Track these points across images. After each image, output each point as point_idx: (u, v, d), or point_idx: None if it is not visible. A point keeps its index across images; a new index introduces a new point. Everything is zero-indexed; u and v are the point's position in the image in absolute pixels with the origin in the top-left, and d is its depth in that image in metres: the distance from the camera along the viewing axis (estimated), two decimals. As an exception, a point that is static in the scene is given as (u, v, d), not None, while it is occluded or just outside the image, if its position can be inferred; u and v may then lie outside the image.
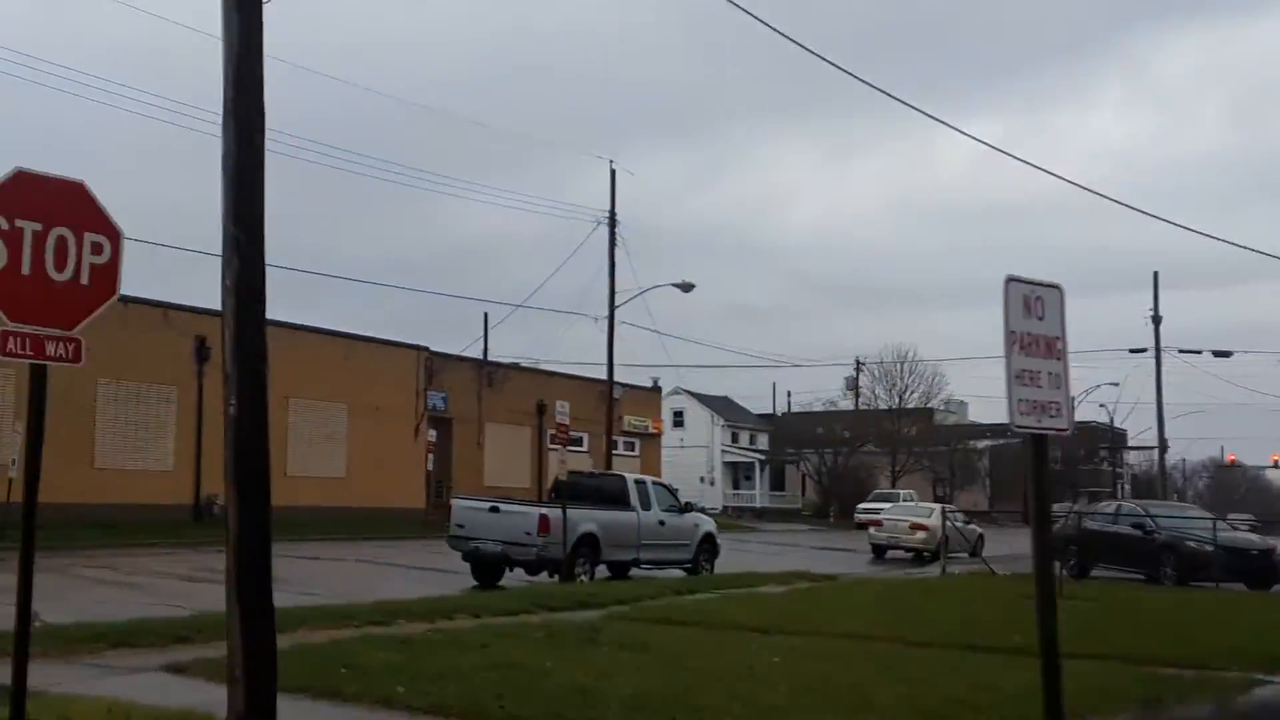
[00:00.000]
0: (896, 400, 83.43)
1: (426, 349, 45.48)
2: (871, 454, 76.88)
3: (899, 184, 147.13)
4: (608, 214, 48.62)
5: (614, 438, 54.26)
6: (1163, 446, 60.77)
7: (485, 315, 61.30)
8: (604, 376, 54.41)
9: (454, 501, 24.19)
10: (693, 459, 63.53)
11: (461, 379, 47.45)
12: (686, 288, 47.52)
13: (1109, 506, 32.09)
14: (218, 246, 6.93)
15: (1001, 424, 76.11)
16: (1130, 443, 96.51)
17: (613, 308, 48.37)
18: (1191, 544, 25.11)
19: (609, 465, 54.28)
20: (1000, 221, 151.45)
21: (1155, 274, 57.70)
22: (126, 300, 35.26)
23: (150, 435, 36.25)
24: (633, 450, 56.12)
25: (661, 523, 25.30)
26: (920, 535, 37.46)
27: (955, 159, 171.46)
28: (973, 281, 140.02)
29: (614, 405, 53.95)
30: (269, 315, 6.95)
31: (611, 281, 48.42)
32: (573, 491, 24.43)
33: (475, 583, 22.65)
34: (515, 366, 49.75)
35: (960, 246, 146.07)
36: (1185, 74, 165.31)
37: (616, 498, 24.62)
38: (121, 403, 35.54)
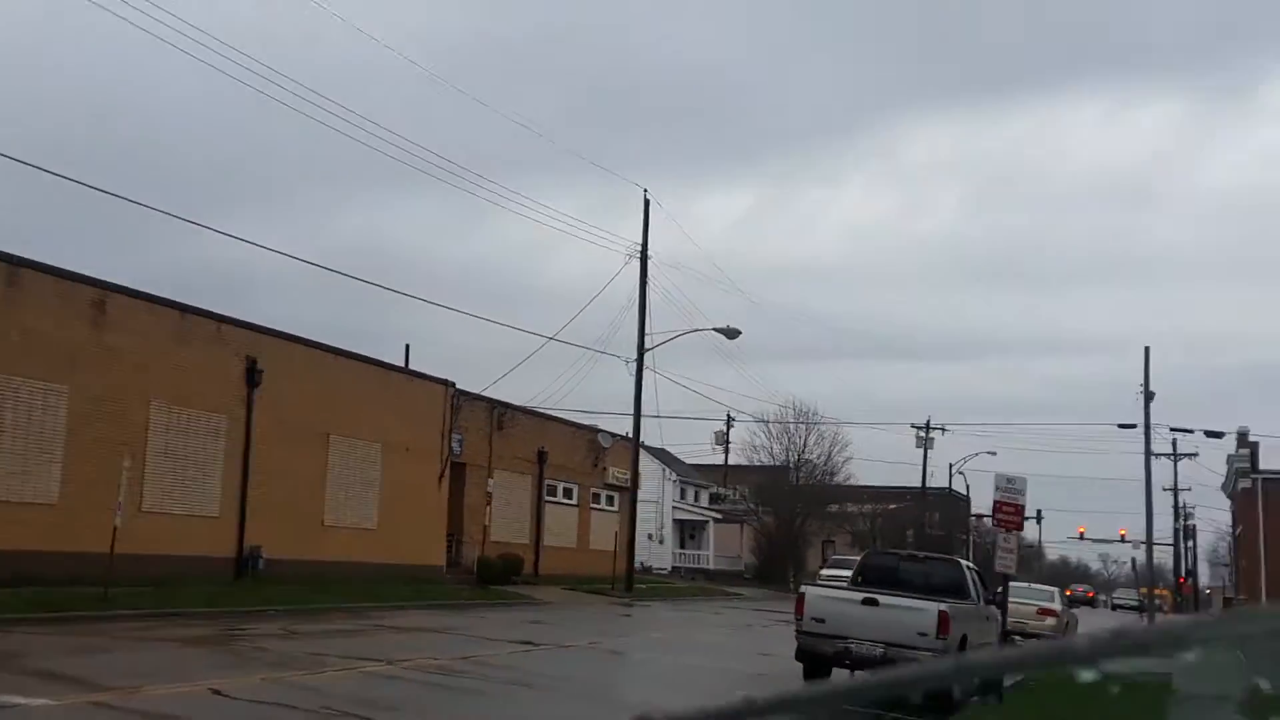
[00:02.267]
0: (796, 458, 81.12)
1: (453, 384, 39.96)
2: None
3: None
4: (639, 248, 44.46)
5: (596, 490, 49.78)
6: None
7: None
8: (586, 423, 49.88)
9: (808, 590, 19.47)
10: (642, 514, 59.08)
11: (475, 420, 42.02)
12: (732, 334, 43.60)
13: None
14: None
15: (892, 487, 74.52)
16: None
17: (641, 350, 44.09)
18: None
19: (588, 519, 49.66)
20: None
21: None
22: (184, 309, 29.15)
23: (199, 473, 29.80)
24: (613, 505, 51.43)
25: (988, 618, 21.28)
26: (1050, 622, 34.48)
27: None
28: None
29: (602, 455, 49.46)
30: None
31: (641, 322, 44.20)
32: (883, 577, 20.24)
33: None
34: (523, 409, 44.59)
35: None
36: (929, 161, 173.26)
37: (954, 589, 20.31)
38: (173, 433, 29.01)
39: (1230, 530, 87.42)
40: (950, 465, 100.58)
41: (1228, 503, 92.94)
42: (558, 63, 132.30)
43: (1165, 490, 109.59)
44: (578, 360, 56.35)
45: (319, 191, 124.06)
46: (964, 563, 22.40)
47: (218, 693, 13.16)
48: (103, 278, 27.43)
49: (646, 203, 44.31)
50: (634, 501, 45.48)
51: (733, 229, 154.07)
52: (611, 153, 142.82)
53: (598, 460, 49.70)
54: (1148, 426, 55.38)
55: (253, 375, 30.94)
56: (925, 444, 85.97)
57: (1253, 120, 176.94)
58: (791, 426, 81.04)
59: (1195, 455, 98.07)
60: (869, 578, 20.57)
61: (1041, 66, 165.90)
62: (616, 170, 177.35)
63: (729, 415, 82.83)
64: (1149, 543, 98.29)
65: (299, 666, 16.07)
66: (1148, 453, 56.50)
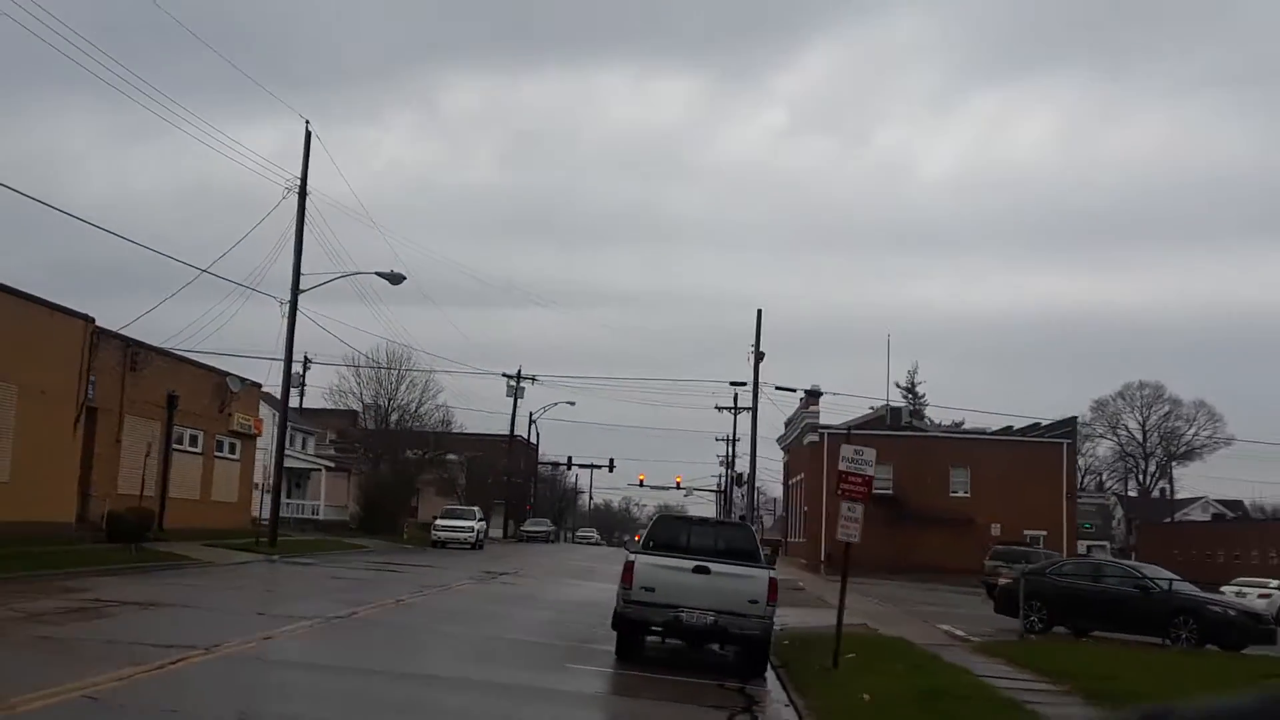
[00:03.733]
0: (386, 403, 79.64)
1: (92, 319, 35.72)
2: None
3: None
4: (299, 181, 41.68)
5: (219, 438, 46.66)
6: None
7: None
8: (210, 365, 46.65)
9: (638, 559, 18.82)
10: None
11: (108, 360, 37.84)
12: (396, 279, 41.71)
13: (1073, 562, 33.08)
14: None
15: (479, 434, 75.88)
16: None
17: (296, 291, 41.48)
18: (1215, 609, 26.29)
19: (212, 468, 46.54)
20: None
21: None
22: None
23: None
24: (234, 453, 48.15)
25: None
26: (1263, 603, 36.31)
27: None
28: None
29: (230, 400, 46.35)
30: None
31: (297, 261, 41.55)
32: (674, 542, 20.16)
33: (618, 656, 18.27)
34: (158, 350, 40.72)
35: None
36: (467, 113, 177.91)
37: (749, 554, 20.39)
38: None
39: (783, 480, 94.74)
40: (530, 414, 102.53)
41: (780, 454, 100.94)
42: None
43: (718, 440, 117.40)
44: (231, 297, 52.06)
45: None
46: (751, 527, 22.68)
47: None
48: None
49: (308, 134, 41.52)
50: (282, 448, 42.74)
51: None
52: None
53: (224, 405, 46.29)
54: (756, 384, 58.75)
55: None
56: (516, 393, 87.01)
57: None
58: (381, 372, 79.35)
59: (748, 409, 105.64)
60: (660, 542, 20.21)
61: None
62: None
63: (305, 357, 79.98)
64: (725, 490, 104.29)
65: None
66: (754, 409, 59.95)
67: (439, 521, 58.99)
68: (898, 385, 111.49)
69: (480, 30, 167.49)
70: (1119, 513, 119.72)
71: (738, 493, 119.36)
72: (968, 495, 73.18)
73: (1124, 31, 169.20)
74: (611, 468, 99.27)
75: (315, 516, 63.43)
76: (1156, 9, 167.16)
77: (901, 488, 73.75)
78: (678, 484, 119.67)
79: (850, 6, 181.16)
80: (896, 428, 79.06)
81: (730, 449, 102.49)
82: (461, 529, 57.86)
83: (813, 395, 74.70)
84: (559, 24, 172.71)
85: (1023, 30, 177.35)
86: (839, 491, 17.53)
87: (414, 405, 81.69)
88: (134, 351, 39.26)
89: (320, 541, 48.90)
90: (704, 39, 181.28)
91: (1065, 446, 73.98)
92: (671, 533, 20.70)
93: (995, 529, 68.42)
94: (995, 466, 72.54)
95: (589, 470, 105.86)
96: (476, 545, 57.54)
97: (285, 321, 40.13)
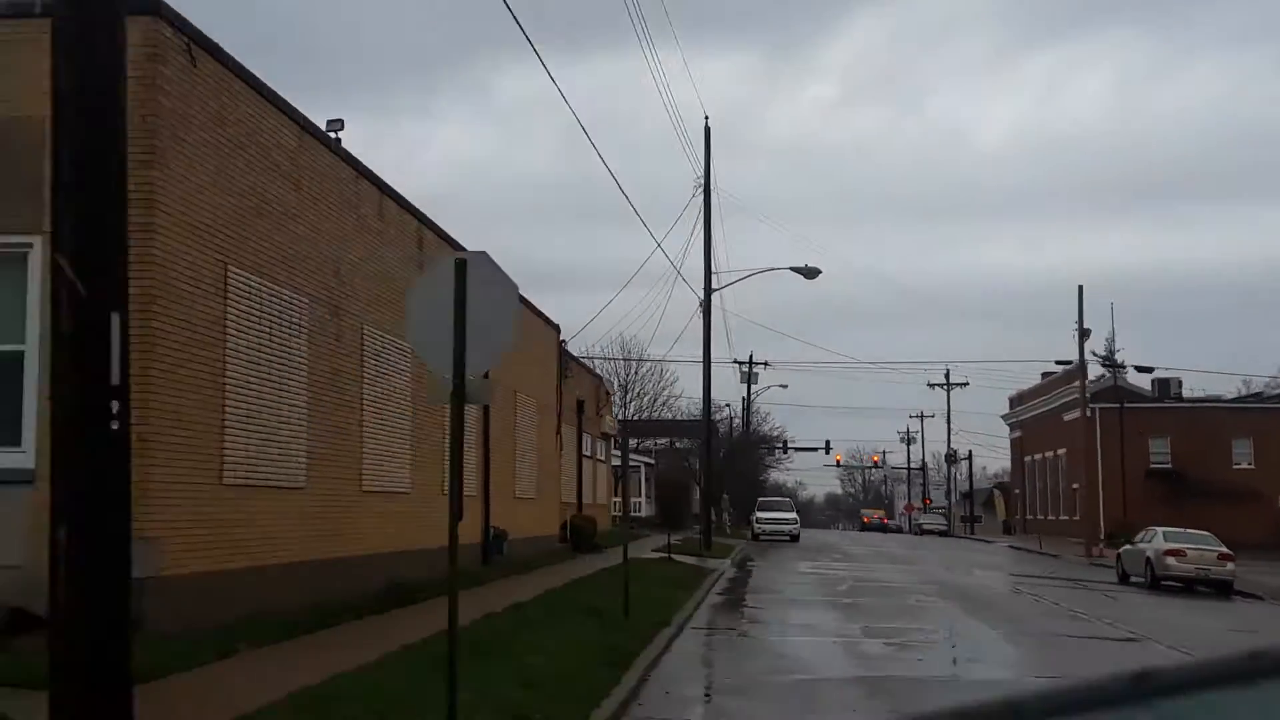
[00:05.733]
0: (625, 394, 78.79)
1: (558, 327, 35.00)
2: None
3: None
4: (702, 178, 40.70)
5: (595, 440, 45.94)
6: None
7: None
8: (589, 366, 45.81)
9: None
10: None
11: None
12: (811, 273, 40.56)
13: None
14: None
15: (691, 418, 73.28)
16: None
17: (709, 289, 40.49)
18: None
19: (595, 471, 45.84)
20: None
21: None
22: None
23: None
24: (602, 454, 47.52)
25: None
26: (1229, 566, 34.03)
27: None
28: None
29: (605, 402, 45.55)
30: None
31: (708, 258, 40.60)
32: None
33: None
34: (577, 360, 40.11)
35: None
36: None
37: None
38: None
39: (1017, 455, 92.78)
40: (744, 398, 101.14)
41: (1005, 430, 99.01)
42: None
43: (912, 418, 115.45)
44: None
45: None
46: None
47: None
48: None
49: (708, 130, 40.54)
50: (709, 449, 41.92)
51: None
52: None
53: (599, 408, 45.59)
54: (1083, 361, 57.12)
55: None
56: (749, 379, 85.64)
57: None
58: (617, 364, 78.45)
59: (965, 384, 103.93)
60: None
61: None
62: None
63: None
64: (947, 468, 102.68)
65: None
66: (1083, 386, 58.31)
67: (759, 514, 58.08)
68: (1093, 354, 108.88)
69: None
70: None
71: (932, 470, 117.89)
72: (1252, 467, 70.86)
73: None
74: (828, 449, 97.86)
75: (638, 514, 62.74)
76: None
77: (1179, 461, 71.68)
78: (875, 463, 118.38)
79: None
80: (1127, 397, 75.80)
81: (947, 425, 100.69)
82: (784, 520, 56.92)
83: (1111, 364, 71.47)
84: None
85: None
86: None
87: (652, 395, 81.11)
88: (566, 362, 38.55)
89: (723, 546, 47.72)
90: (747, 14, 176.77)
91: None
92: None
93: (1286, 501, 66.22)
94: (1281, 436, 70.00)
95: (803, 453, 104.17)
96: (794, 538, 56.52)
97: (701, 319, 39.27)
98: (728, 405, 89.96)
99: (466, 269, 8.76)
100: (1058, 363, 61.47)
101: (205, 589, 13.12)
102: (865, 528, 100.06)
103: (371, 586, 17.57)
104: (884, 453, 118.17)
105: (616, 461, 63.11)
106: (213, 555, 13.47)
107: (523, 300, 30.79)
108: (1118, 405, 71.99)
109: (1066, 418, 76.70)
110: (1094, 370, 72.11)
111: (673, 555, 31.89)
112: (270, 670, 11.76)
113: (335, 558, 16.81)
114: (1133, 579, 34.84)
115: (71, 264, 5.55)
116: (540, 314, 33.00)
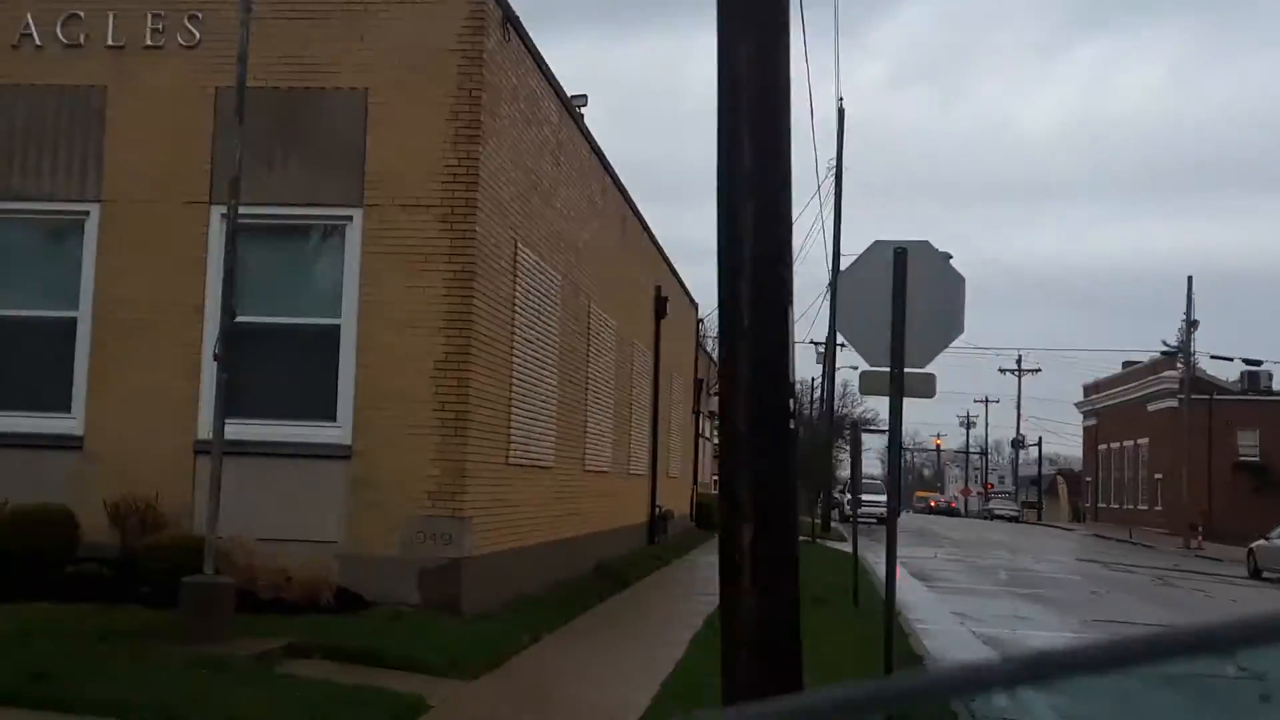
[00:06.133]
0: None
1: (698, 305, 34.74)
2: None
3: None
4: (834, 162, 40.27)
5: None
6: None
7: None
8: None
9: None
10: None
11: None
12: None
13: None
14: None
15: None
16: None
17: (836, 270, 40.01)
18: None
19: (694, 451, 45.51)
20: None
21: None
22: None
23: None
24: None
25: None
26: None
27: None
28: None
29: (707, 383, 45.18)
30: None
31: (836, 243, 40.23)
32: None
33: None
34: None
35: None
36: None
37: None
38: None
39: (1090, 444, 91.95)
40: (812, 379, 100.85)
41: (1079, 417, 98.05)
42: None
43: (976, 401, 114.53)
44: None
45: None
46: None
47: None
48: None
49: (841, 112, 40.11)
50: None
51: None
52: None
53: (710, 388, 45.31)
54: (1188, 353, 56.46)
55: (660, 305, 25.26)
56: (828, 359, 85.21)
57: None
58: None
59: (1038, 370, 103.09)
60: None
61: None
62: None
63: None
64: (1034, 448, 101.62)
65: None
66: (1188, 379, 57.67)
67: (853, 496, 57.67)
68: (1165, 344, 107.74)
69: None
70: None
71: (993, 453, 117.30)
72: (1345, 460, 69.85)
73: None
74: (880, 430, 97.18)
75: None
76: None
77: (1269, 455, 70.78)
78: (937, 446, 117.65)
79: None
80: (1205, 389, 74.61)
81: (1017, 410, 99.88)
82: (877, 502, 56.55)
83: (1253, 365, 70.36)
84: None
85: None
86: None
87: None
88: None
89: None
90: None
91: None
92: None
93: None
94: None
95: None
96: (881, 520, 56.15)
97: (827, 302, 38.88)
98: (802, 383, 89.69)
99: (907, 258, 8.53)
100: (1162, 352, 60.58)
101: (489, 570, 13.00)
102: (931, 510, 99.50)
103: (586, 567, 17.47)
104: (941, 435, 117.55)
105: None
106: (492, 536, 13.35)
107: (674, 274, 30.67)
108: (1207, 397, 70.87)
109: (1151, 408, 75.94)
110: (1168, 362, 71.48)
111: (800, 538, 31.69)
112: (592, 653, 11.66)
113: (566, 538, 16.69)
114: (1265, 574, 34.36)
115: (753, 258, 5.36)
116: (686, 290, 32.79)
